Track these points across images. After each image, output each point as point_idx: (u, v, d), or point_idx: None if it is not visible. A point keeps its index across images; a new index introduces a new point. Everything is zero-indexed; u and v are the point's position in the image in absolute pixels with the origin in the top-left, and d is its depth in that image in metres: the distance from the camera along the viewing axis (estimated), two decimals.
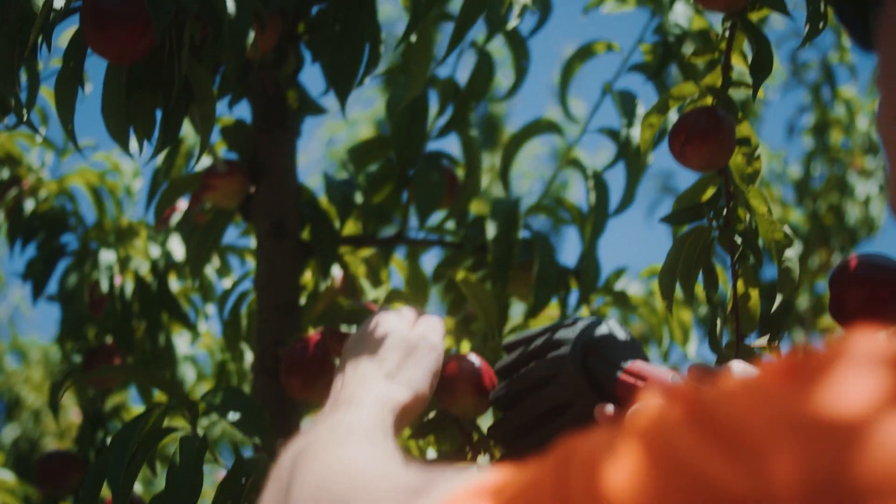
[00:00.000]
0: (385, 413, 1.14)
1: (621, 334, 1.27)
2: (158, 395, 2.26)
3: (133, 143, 1.58)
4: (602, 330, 1.26)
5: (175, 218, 2.19)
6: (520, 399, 1.32)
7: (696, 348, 2.35)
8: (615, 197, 2.00)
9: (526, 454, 1.34)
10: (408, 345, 1.25)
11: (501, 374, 1.36)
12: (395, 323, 1.29)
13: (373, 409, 1.13)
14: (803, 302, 4.11)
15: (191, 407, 1.51)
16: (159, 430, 1.51)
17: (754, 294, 1.46)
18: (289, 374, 1.65)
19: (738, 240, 1.45)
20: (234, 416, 1.50)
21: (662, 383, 1.14)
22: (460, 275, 1.45)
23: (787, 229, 1.45)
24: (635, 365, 1.19)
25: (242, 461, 1.51)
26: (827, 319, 3.88)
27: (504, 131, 5.32)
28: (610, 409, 1.18)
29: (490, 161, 4.95)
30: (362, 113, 5.01)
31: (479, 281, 1.84)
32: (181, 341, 2.31)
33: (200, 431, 1.50)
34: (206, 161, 2.01)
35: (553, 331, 1.31)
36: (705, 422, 0.50)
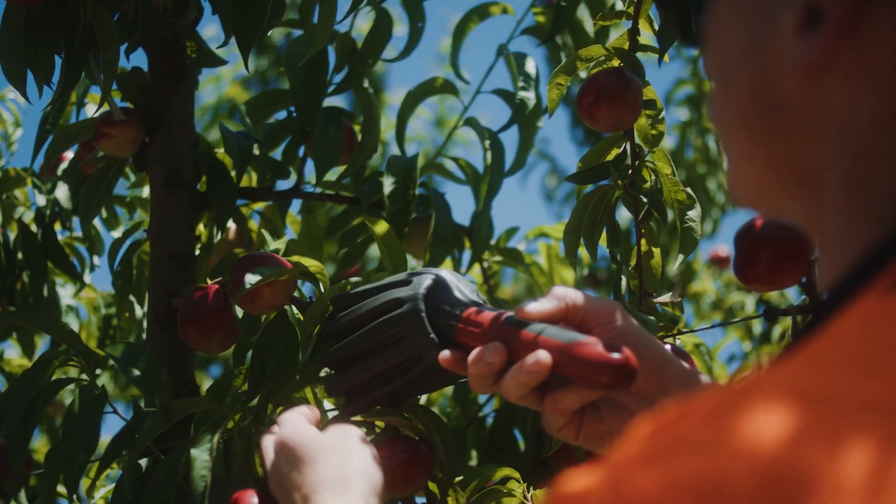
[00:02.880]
0: None
1: (455, 282, 1.30)
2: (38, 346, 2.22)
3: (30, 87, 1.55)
4: (437, 282, 1.28)
5: (62, 167, 2.15)
6: (362, 357, 1.33)
7: None
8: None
9: (374, 406, 1.37)
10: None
11: (334, 333, 1.37)
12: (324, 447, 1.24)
13: None
14: (672, 268, 4.19)
15: (90, 358, 1.48)
16: (58, 381, 1.49)
17: (657, 252, 1.50)
18: (186, 324, 1.63)
19: (644, 199, 1.49)
20: (133, 371, 1.48)
21: (496, 325, 1.17)
22: (382, 226, 1.45)
23: (689, 191, 1.49)
24: (470, 312, 1.21)
25: (142, 414, 1.49)
26: (696, 286, 3.97)
27: (384, 94, 5.31)
28: (448, 354, 1.21)
29: None
30: (229, 69, 4.94)
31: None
32: (64, 293, 2.28)
33: (99, 383, 1.49)
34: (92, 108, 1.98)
35: (387, 288, 1.32)
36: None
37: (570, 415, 1.13)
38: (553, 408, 1.11)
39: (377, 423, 1.45)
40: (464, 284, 1.30)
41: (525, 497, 1.56)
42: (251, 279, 1.47)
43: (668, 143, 4.43)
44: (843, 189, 0.68)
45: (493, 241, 2.11)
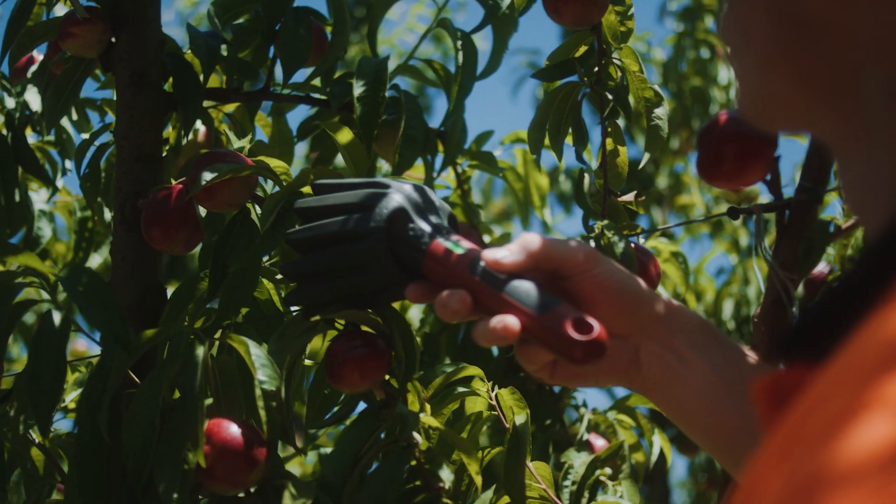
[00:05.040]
0: None
1: (419, 202, 1.27)
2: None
3: None
4: (400, 209, 1.25)
5: (32, 69, 2.12)
6: (324, 277, 1.32)
7: (551, 215, 2.38)
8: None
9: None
10: None
11: (297, 245, 1.35)
12: None
13: None
14: (662, 181, 4.19)
15: (49, 282, 1.45)
16: (21, 303, 1.46)
17: (622, 151, 1.48)
18: (149, 224, 1.61)
19: (609, 96, 1.47)
20: (82, 300, 1.43)
21: (461, 271, 1.15)
22: (344, 134, 1.42)
23: (657, 88, 1.47)
24: (435, 247, 1.19)
25: (112, 349, 1.46)
26: (684, 198, 3.95)
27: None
28: (415, 290, 1.20)
29: (360, 36, 4.90)
30: None
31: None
32: (37, 198, 2.26)
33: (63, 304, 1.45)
34: (64, 9, 1.95)
35: (347, 210, 1.29)
36: None
37: (545, 363, 1.12)
38: (527, 359, 1.11)
39: (337, 321, 1.44)
40: (429, 200, 1.27)
41: (490, 397, 1.56)
42: (207, 175, 1.45)
43: (662, 55, 4.39)
44: (886, 104, 0.64)
45: (467, 146, 2.08)
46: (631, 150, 4.10)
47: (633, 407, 2.11)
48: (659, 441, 2.10)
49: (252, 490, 1.39)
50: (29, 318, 3.09)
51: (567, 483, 1.87)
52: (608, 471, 1.91)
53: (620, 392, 2.74)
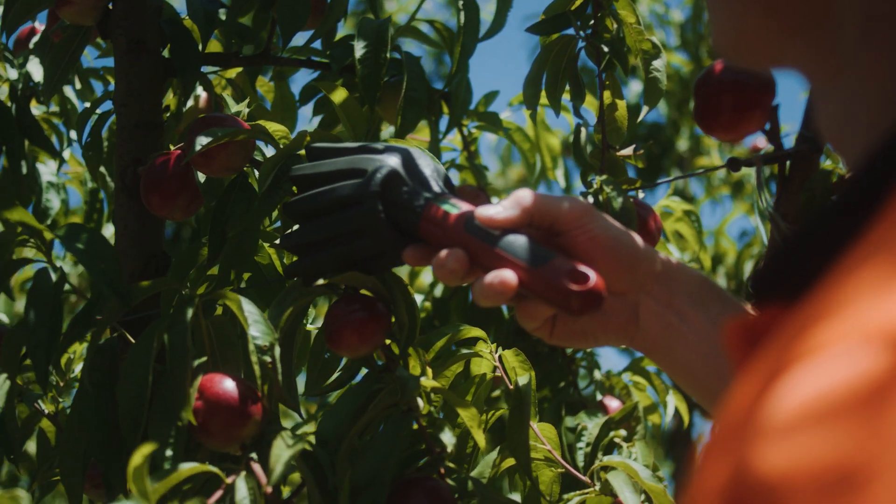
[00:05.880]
0: None
1: (412, 167, 1.25)
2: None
3: None
4: (392, 173, 1.24)
5: (34, 40, 2.10)
6: (322, 246, 1.30)
7: (570, 178, 2.35)
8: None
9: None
10: None
11: (294, 215, 1.34)
12: None
13: None
14: (683, 144, 4.15)
15: (43, 239, 1.45)
16: (14, 261, 1.45)
17: (621, 105, 1.45)
18: (148, 190, 1.60)
19: (606, 49, 1.44)
20: (81, 254, 1.43)
21: (457, 230, 1.14)
22: (339, 94, 1.40)
23: (654, 40, 1.44)
24: (431, 209, 1.18)
25: (102, 294, 1.46)
26: (704, 160, 3.91)
27: None
28: (413, 252, 1.20)
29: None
30: None
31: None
32: (45, 169, 2.25)
33: (58, 263, 1.45)
34: None
35: (340, 177, 1.28)
36: None
37: (544, 319, 1.11)
38: (526, 315, 1.10)
39: (340, 285, 1.43)
40: (423, 163, 1.26)
41: (493, 358, 1.54)
42: (203, 140, 1.43)
43: (680, 16, 4.34)
44: (861, 33, 0.60)
45: (472, 107, 2.06)
46: (650, 114, 4.07)
47: (648, 368, 2.09)
48: (674, 402, 2.08)
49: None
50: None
51: (581, 445, 1.86)
52: (622, 432, 1.89)
53: (637, 354, 2.71)
